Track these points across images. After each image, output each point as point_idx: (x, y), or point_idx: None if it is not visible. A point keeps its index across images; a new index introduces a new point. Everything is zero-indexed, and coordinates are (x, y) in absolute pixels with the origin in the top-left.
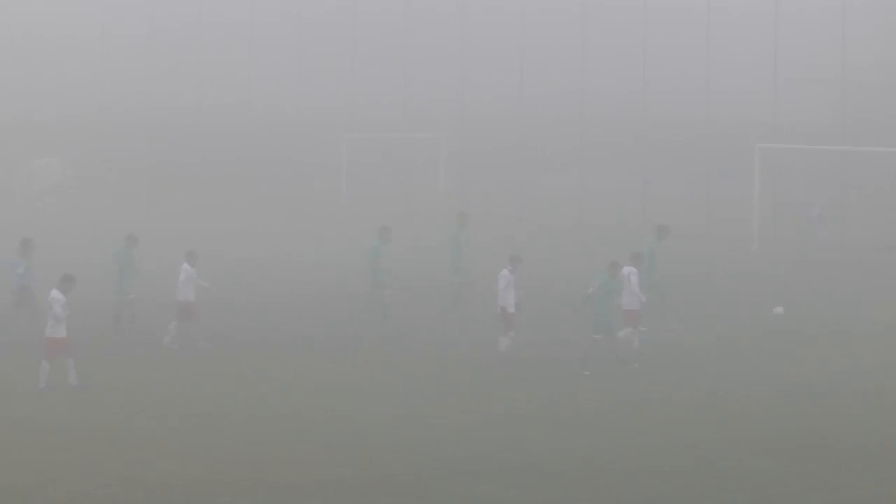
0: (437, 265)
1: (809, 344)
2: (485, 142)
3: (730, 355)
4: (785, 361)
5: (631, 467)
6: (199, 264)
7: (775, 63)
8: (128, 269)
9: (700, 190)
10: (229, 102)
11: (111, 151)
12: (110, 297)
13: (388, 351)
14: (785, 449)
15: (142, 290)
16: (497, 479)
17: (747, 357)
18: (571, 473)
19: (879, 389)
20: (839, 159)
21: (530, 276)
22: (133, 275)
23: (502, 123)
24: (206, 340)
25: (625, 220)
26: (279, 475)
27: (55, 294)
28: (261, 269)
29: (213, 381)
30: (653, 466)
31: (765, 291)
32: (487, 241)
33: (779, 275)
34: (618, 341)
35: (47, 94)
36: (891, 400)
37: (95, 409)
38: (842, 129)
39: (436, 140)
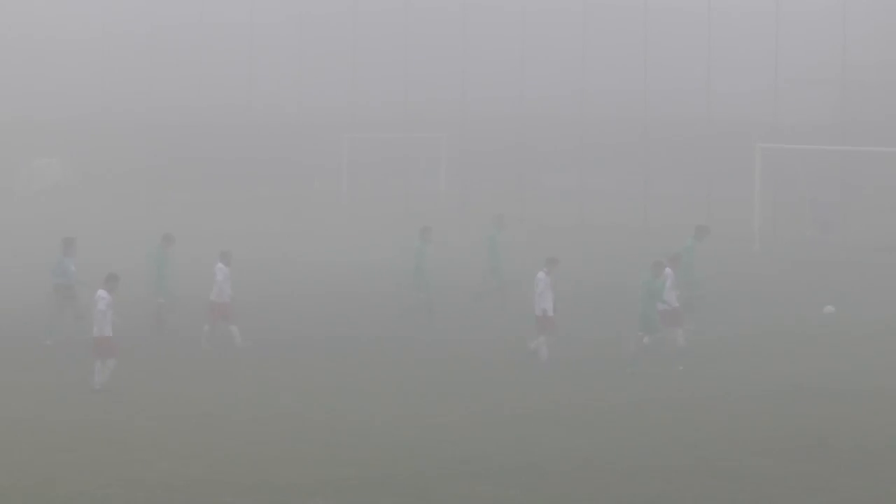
0: (439, 265)
1: (810, 344)
2: (485, 142)
3: (731, 355)
4: (786, 361)
5: (631, 467)
6: (233, 264)
7: (776, 63)
8: (164, 269)
9: (701, 190)
10: (230, 102)
11: (111, 151)
12: (147, 298)
13: (390, 351)
14: (785, 449)
15: (179, 290)
16: (497, 480)
17: (748, 357)
18: (572, 473)
19: (880, 389)
20: (840, 159)
21: (531, 276)
22: (170, 275)
23: (503, 123)
24: (210, 342)
25: (625, 220)
26: (280, 475)
27: (101, 293)
28: (261, 269)
29: (214, 380)
30: (653, 466)
31: (765, 292)
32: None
33: (780, 275)
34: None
35: (47, 94)
36: (892, 400)
37: (96, 409)
38: (842, 130)
39: (436, 140)
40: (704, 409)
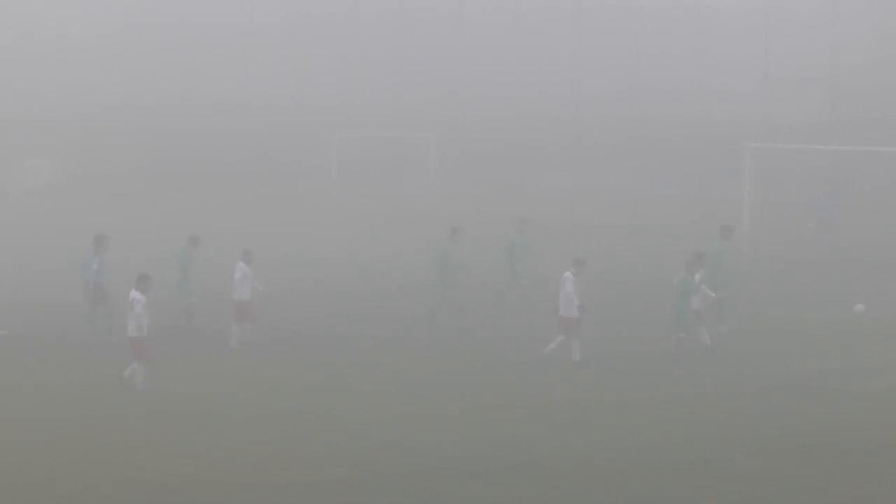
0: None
1: (803, 343)
2: (479, 141)
3: (725, 354)
4: (780, 360)
5: (627, 465)
6: (254, 263)
7: (766, 63)
8: (191, 270)
9: (693, 189)
10: (223, 102)
11: (104, 151)
12: (175, 299)
13: (389, 350)
14: (779, 448)
15: (204, 291)
16: (492, 478)
17: (743, 356)
18: (568, 471)
19: (873, 389)
20: (830, 159)
21: (528, 276)
22: (196, 276)
23: (496, 123)
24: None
25: (619, 219)
26: (277, 475)
27: (134, 294)
28: (258, 267)
29: (211, 379)
30: (649, 464)
31: (757, 291)
32: (482, 241)
33: (771, 274)
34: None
35: (40, 94)
36: (884, 400)
37: (94, 408)
38: (832, 129)
39: (428, 140)
40: (701, 408)
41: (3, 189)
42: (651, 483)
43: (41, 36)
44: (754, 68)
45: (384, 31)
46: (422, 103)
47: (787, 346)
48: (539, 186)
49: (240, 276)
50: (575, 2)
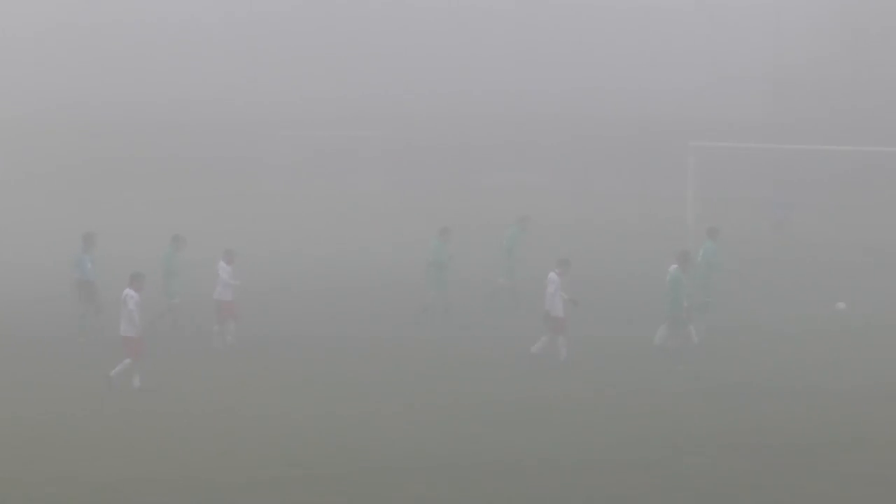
0: (383, 264)
1: (751, 342)
2: (423, 139)
3: (687, 353)
4: (731, 359)
5: (573, 463)
6: (235, 263)
7: (710, 61)
8: (174, 271)
9: (638, 187)
10: (170, 100)
11: (50, 150)
12: (158, 300)
13: (339, 350)
14: (728, 445)
15: (187, 292)
16: (431, 477)
17: (693, 355)
18: (512, 469)
19: (821, 387)
20: (774, 157)
21: (474, 274)
22: (180, 277)
23: (441, 122)
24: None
25: (563, 217)
26: (218, 473)
27: (128, 292)
28: (200, 267)
29: (159, 379)
30: (596, 462)
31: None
32: (425, 238)
33: (725, 273)
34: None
35: None
36: (832, 397)
37: (38, 407)
38: (776, 127)
39: (372, 138)
40: (652, 407)
41: None
42: (597, 480)
43: None
44: (699, 67)
45: (329, 28)
46: (367, 101)
47: (733, 344)
48: (484, 184)
49: (225, 276)
50: (518, 1)
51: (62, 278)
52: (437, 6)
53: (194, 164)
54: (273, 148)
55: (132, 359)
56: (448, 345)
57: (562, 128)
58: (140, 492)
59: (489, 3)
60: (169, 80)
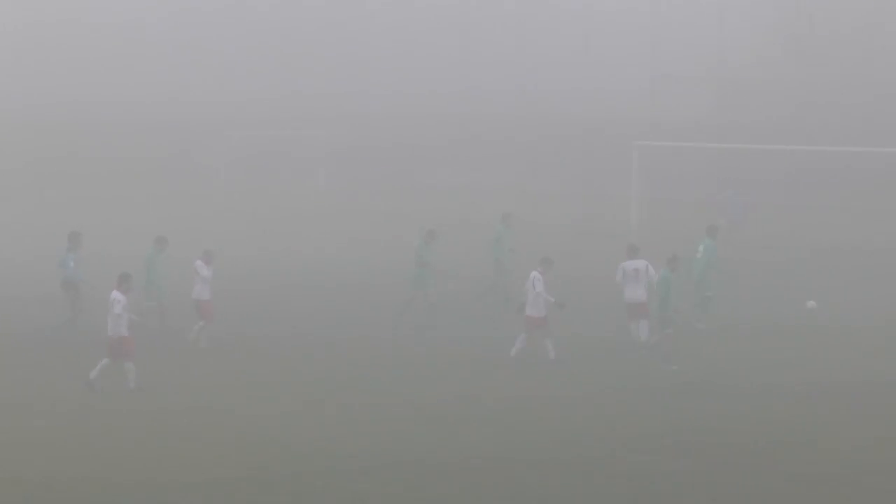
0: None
1: (698, 341)
2: (369, 139)
3: (624, 353)
4: (678, 357)
5: (516, 462)
6: (214, 263)
7: (654, 61)
8: (156, 272)
9: (581, 187)
10: (116, 100)
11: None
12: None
13: (290, 349)
14: (672, 444)
15: (171, 293)
16: (379, 476)
17: (638, 355)
18: (455, 467)
19: (768, 386)
20: (719, 157)
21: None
22: (162, 278)
23: (386, 121)
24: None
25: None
26: (165, 474)
27: (116, 295)
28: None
29: (104, 378)
30: (539, 461)
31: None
32: (372, 238)
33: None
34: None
35: None
36: (785, 396)
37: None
38: (720, 127)
39: (318, 138)
40: (597, 406)
41: None
42: (540, 478)
43: None
44: (643, 66)
45: (274, 28)
46: (313, 101)
47: (680, 342)
48: (428, 183)
49: (206, 275)
50: (464, 1)
51: (27, 278)
52: (382, 7)
53: (141, 163)
54: (219, 148)
55: (121, 360)
56: (409, 344)
57: (507, 128)
58: (84, 492)
59: (433, 4)
60: (116, 81)
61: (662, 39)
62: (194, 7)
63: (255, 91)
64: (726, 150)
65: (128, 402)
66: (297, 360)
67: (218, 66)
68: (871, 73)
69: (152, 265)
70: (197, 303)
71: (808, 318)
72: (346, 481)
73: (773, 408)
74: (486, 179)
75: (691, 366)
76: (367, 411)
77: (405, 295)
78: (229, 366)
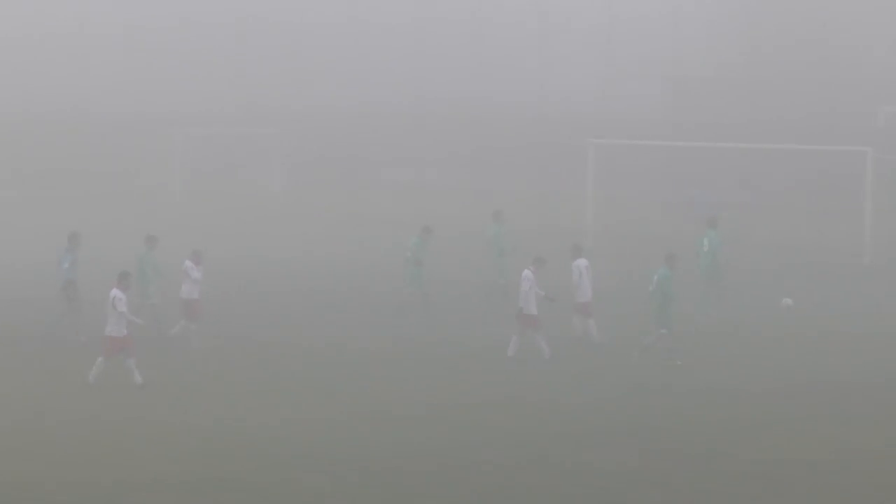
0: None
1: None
2: (321, 138)
3: (577, 355)
4: (624, 361)
5: (464, 461)
6: (204, 262)
7: (608, 59)
8: (149, 271)
9: (534, 185)
10: (65, 97)
11: None
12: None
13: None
14: (617, 444)
15: (166, 292)
16: (330, 473)
17: (589, 357)
18: (403, 467)
19: (713, 387)
20: (672, 154)
21: (376, 271)
22: (156, 277)
23: (339, 120)
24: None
25: (461, 215)
26: (108, 474)
27: (115, 293)
28: (94, 267)
29: (48, 379)
30: (486, 460)
31: (601, 290)
32: (327, 237)
33: (613, 271)
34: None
35: None
36: (724, 396)
37: None
38: (675, 125)
39: (271, 136)
40: (543, 407)
41: None
42: (487, 477)
43: None
44: (597, 65)
45: (227, 25)
46: (265, 99)
47: (630, 344)
48: (382, 181)
49: (197, 276)
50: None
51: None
52: (332, 4)
53: (90, 161)
54: (170, 145)
55: (108, 358)
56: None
57: (459, 125)
58: (31, 495)
59: (385, 3)
60: (64, 77)
61: (616, 37)
62: (142, 3)
63: (207, 88)
64: (682, 149)
65: (65, 405)
66: (262, 361)
67: (169, 63)
68: (825, 71)
69: (144, 265)
70: (186, 302)
71: (785, 316)
72: (297, 476)
73: (713, 408)
74: (439, 178)
75: (638, 368)
76: (318, 412)
77: (405, 295)
78: (185, 367)
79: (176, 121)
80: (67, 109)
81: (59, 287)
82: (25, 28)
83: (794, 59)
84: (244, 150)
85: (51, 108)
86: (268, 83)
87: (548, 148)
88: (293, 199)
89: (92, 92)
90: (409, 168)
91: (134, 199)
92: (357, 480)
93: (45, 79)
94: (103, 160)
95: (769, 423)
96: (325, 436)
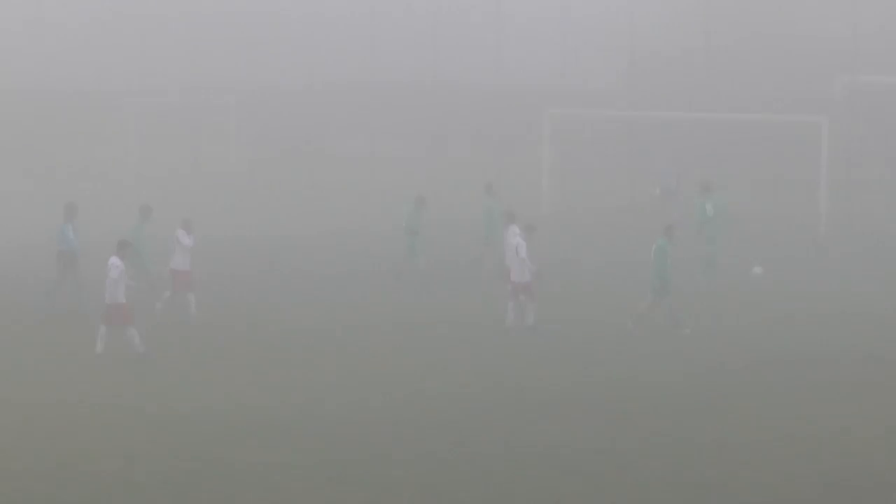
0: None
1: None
2: (276, 107)
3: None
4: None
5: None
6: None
7: (565, 31)
8: (144, 244)
9: (491, 157)
10: (13, 72)
11: None
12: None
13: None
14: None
15: (159, 265)
16: (285, 445)
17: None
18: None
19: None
20: (629, 126)
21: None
22: (148, 249)
23: (294, 90)
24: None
25: (417, 185)
26: (55, 464)
27: (113, 260)
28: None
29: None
30: (429, 424)
31: (554, 264)
32: (284, 208)
33: (568, 244)
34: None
35: None
36: (695, 365)
37: None
38: (631, 97)
39: (226, 105)
40: (492, 377)
41: None
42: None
43: None
44: (554, 35)
45: None
46: (221, 69)
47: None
48: (335, 152)
49: (189, 244)
50: None
51: None
52: None
53: (42, 133)
54: (121, 115)
55: (120, 327)
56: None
57: (416, 97)
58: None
59: None
60: (16, 45)
61: (575, 9)
62: None
63: (161, 58)
64: (639, 120)
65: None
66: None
67: (121, 32)
68: (784, 40)
69: (140, 237)
70: (174, 272)
71: (755, 284)
72: (252, 449)
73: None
74: (395, 150)
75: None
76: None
77: (402, 265)
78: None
79: (129, 93)
80: (21, 84)
81: (57, 259)
82: None
83: (751, 32)
84: (199, 119)
85: (2, 83)
86: (221, 57)
87: (505, 119)
88: (246, 169)
89: (48, 62)
90: (365, 139)
91: (90, 173)
92: (318, 452)
93: (4, 48)
94: (59, 135)
95: (714, 394)
96: (275, 408)
